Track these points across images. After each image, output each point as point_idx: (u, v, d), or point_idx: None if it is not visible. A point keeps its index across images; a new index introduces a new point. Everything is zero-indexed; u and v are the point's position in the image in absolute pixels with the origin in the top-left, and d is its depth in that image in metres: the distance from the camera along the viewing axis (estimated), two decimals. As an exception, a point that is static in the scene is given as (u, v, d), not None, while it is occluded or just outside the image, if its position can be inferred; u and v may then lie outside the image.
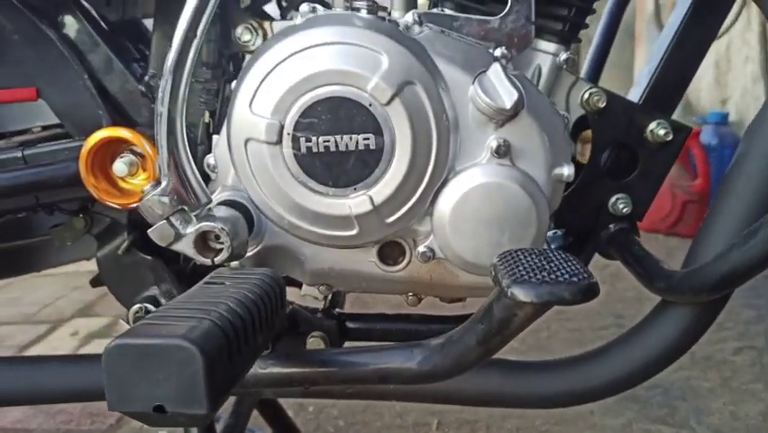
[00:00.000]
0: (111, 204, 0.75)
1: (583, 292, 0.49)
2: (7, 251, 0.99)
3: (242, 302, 0.56)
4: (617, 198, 0.89)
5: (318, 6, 0.76)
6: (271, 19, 0.83)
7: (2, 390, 0.80)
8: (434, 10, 0.78)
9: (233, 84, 0.77)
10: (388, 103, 0.64)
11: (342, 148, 0.65)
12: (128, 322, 0.87)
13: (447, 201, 0.69)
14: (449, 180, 0.68)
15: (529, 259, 0.55)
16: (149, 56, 0.87)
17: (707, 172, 2.89)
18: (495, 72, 0.67)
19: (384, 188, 0.66)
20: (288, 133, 0.65)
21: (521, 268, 0.53)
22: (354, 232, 0.69)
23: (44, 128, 0.94)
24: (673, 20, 0.92)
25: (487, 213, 0.68)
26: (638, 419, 1.56)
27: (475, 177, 0.68)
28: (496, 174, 0.68)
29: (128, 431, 1.62)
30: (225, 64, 0.84)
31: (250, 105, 0.65)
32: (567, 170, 0.70)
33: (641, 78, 0.95)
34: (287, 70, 0.64)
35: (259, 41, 0.84)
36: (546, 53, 0.80)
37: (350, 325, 0.89)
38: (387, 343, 0.74)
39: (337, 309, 0.90)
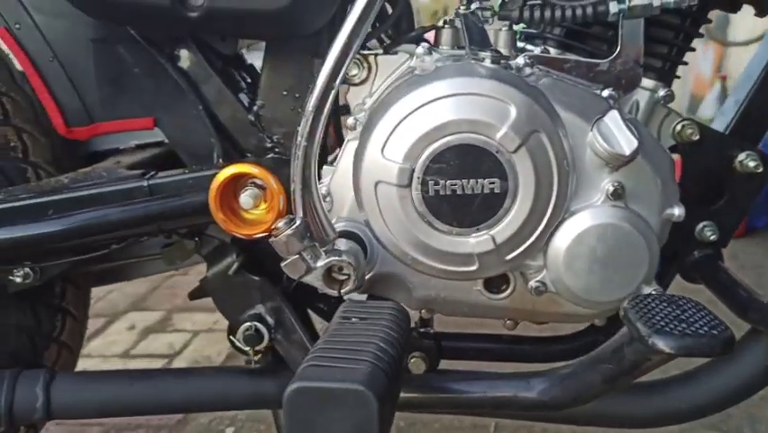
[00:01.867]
0: (238, 235, 0.80)
1: (723, 345, 0.53)
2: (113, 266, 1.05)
3: (389, 341, 0.61)
4: (704, 226, 0.92)
5: (434, 48, 0.80)
6: (376, 53, 0.87)
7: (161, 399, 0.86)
8: (538, 50, 0.82)
9: (349, 120, 0.82)
10: (515, 151, 0.68)
11: (468, 191, 0.69)
12: (237, 340, 0.92)
13: (563, 240, 0.72)
14: (565, 220, 0.72)
15: (662, 306, 0.58)
16: (257, 87, 0.92)
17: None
18: (613, 119, 0.70)
19: (506, 228, 0.70)
20: (418, 177, 0.69)
21: (657, 316, 0.57)
22: (474, 268, 0.73)
23: (138, 147, 0.99)
24: (761, 53, 0.95)
25: (601, 253, 0.72)
26: (693, 425, 1.59)
27: (591, 218, 0.72)
28: (611, 216, 0.71)
29: (195, 427, 1.69)
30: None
31: (382, 150, 0.70)
32: (678, 211, 0.74)
33: (727, 108, 0.98)
34: (419, 119, 0.68)
35: (364, 73, 0.88)
36: (645, 89, 0.83)
37: (445, 344, 0.93)
38: (499, 372, 0.78)
39: (432, 329, 0.95)
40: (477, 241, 0.71)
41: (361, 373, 0.53)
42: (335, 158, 0.84)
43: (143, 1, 0.73)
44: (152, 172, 0.86)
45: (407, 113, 0.69)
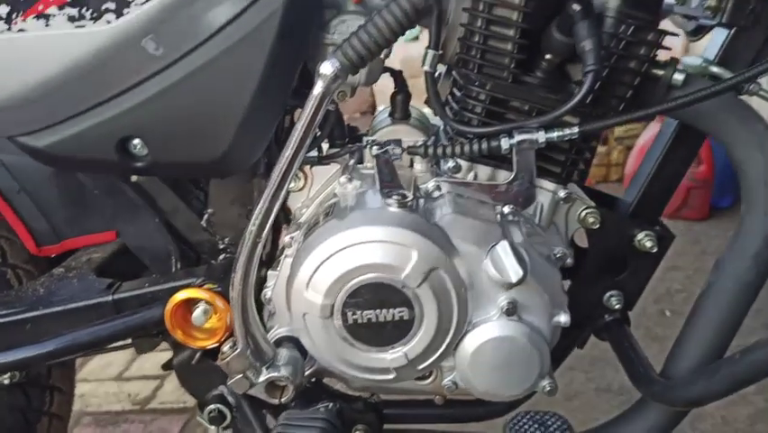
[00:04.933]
0: (193, 346, 0.92)
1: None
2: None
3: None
4: (611, 295, 1.05)
5: (357, 171, 0.90)
6: (311, 164, 0.98)
7: None
8: (452, 163, 0.92)
9: (286, 238, 0.93)
10: (418, 286, 0.80)
11: (381, 319, 0.81)
12: (204, 419, 1.05)
13: (467, 348, 0.85)
14: (468, 332, 0.85)
15: (533, 427, 0.71)
16: (207, 197, 1.03)
17: (710, 159, 3.00)
18: (503, 248, 0.82)
19: (416, 346, 0.83)
20: (338, 310, 0.81)
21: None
22: (392, 377, 0.86)
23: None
24: (657, 143, 1.05)
25: (500, 360, 0.84)
26: None
27: (489, 331, 0.84)
28: (506, 329, 0.84)
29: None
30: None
31: (306, 288, 0.81)
32: (564, 319, 0.86)
33: (633, 185, 1.09)
34: (335, 263, 0.80)
35: (301, 183, 0.99)
36: (548, 191, 0.95)
37: (386, 412, 1.06)
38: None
39: (374, 398, 1.08)
40: (392, 357, 0.83)
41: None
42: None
43: (93, 156, 0.83)
44: (117, 284, 0.98)
45: (326, 257, 0.80)
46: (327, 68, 0.75)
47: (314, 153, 0.98)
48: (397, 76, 1.00)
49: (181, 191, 1.04)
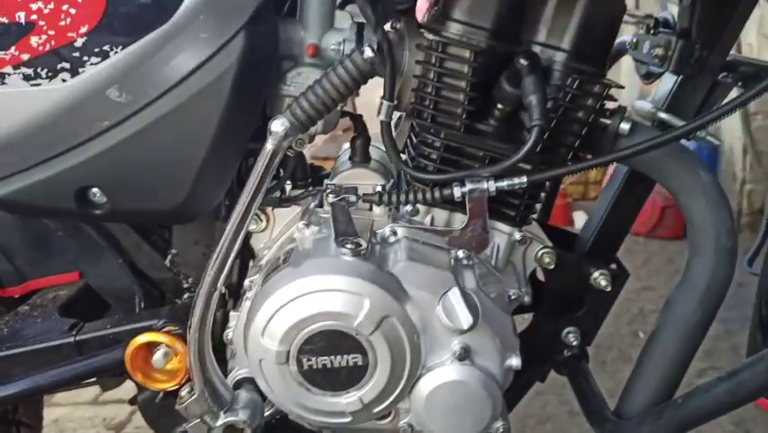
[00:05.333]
0: (153, 388, 0.93)
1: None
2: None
3: None
4: (568, 332, 1.07)
5: (314, 216, 0.92)
6: (274, 206, 1.00)
7: None
8: (409, 207, 0.94)
9: (246, 281, 0.95)
10: (371, 333, 0.82)
11: (336, 365, 0.83)
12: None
13: (422, 392, 0.87)
14: (422, 376, 0.87)
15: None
16: (170, 236, 1.04)
17: (683, 178, 3.05)
18: (455, 295, 0.84)
19: (371, 390, 0.85)
20: (294, 357, 0.83)
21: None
22: (348, 420, 0.87)
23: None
24: (612, 183, 1.09)
25: (453, 403, 0.86)
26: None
27: (443, 375, 0.86)
28: (459, 373, 0.86)
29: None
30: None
31: (262, 334, 0.83)
32: (515, 362, 0.88)
33: (588, 225, 1.12)
34: (290, 311, 0.82)
35: (263, 225, 1.01)
36: (503, 233, 0.97)
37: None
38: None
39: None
40: (348, 401, 0.85)
41: None
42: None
43: (52, 205, 0.85)
44: (80, 325, 0.99)
45: (280, 306, 0.82)
46: (278, 126, 0.77)
47: (276, 194, 1.00)
48: (357, 120, 1.02)
49: (145, 231, 1.06)
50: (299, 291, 0.82)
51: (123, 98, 0.78)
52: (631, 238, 3.14)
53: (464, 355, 0.85)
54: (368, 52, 0.75)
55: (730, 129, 3.07)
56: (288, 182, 1.02)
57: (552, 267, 1.01)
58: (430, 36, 0.86)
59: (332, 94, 0.76)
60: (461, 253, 0.91)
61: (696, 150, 3.17)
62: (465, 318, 0.83)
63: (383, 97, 0.89)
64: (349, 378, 0.84)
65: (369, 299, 0.81)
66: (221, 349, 0.96)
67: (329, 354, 0.83)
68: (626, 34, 1.09)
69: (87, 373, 0.95)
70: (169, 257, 1.04)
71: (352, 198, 0.89)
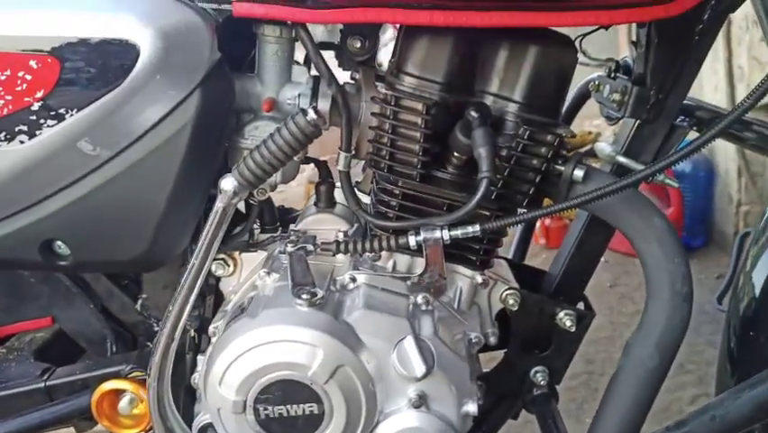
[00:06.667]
0: (120, 434, 0.95)
1: None
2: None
3: None
4: (536, 371, 1.08)
5: (277, 263, 0.94)
6: (241, 250, 1.02)
7: None
8: (368, 256, 0.96)
9: (210, 327, 0.97)
10: (326, 382, 0.83)
11: (292, 414, 0.84)
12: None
13: (380, 437, 0.88)
14: (380, 423, 0.88)
15: None
16: (141, 280, 1.06)
17: (680, 201, 3.05)
18: (409, 344, 0.85)
19: (328, 438, 0.86)
20: (250, 406, 0.84)
21: None
22: (308, 465, 0.88)
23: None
24: (576, 224, 1.10)
25: (410, 450, 0.87)
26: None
27: (399, 422, 0.87)
28: (415, 420, 0.87)
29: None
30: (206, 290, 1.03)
31: (219, 384, 0.84)
32: (472, 408, 0.89)
33: (554, 265, 1.14)
34: (246, 361, 0.83)
35: (231, 269, 1.03)
36: (465, 276, 0.98)
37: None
38: None
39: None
40: (305, 448, 0.86)
41: None
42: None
43: (17, 257, 0.87)
44: (52, 370, 1.01)
45: (237, 356, 0.83)
46: (227, 184, 0.79)
47: (244, 238, 1.02)
48: (321, 166, 1.04)
49: (116, 276, 1.08)
50: (255, 342, 0.83)
51: (80, 156, 0.80)
52: (626, 259, 3.14)
53: (420, 403, 0.86)
54: (311, 114, 0.77)
55: (725, 151, 3.07)
56: (257, 225, 1.04)
57: (515, 308, 1.02)
58: (384, 90, 0.88)
59: (277, 155, 0.78)
60: (420, 299, 0.92)
61: (692, 171, 3.17)
62: (419, 366, 0.84)
63: (341, 148, 0.91)
64: (306, 426, 0.85)
65: (322, 349, 0.83)
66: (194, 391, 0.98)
67: (285, 404, 0.84)
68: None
69: (56, 419, 0.97)
70: (140, 301, 1.06)
71: (310, 248, 0.90)
